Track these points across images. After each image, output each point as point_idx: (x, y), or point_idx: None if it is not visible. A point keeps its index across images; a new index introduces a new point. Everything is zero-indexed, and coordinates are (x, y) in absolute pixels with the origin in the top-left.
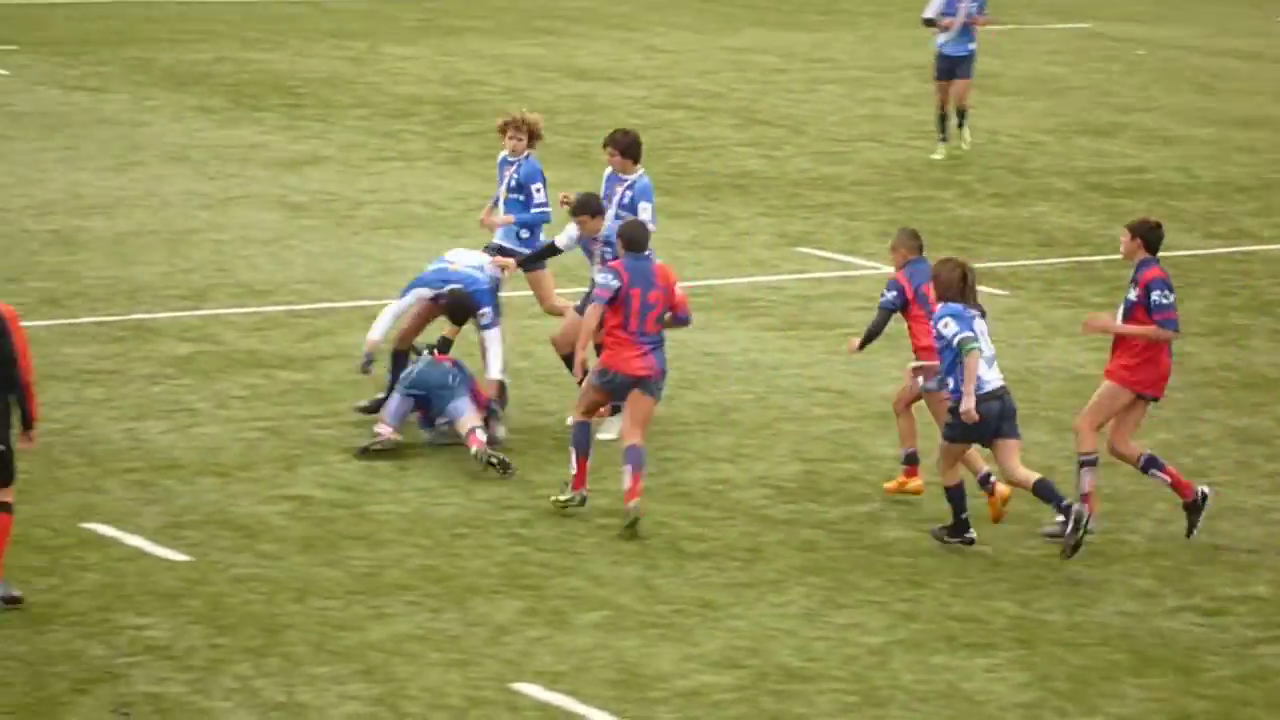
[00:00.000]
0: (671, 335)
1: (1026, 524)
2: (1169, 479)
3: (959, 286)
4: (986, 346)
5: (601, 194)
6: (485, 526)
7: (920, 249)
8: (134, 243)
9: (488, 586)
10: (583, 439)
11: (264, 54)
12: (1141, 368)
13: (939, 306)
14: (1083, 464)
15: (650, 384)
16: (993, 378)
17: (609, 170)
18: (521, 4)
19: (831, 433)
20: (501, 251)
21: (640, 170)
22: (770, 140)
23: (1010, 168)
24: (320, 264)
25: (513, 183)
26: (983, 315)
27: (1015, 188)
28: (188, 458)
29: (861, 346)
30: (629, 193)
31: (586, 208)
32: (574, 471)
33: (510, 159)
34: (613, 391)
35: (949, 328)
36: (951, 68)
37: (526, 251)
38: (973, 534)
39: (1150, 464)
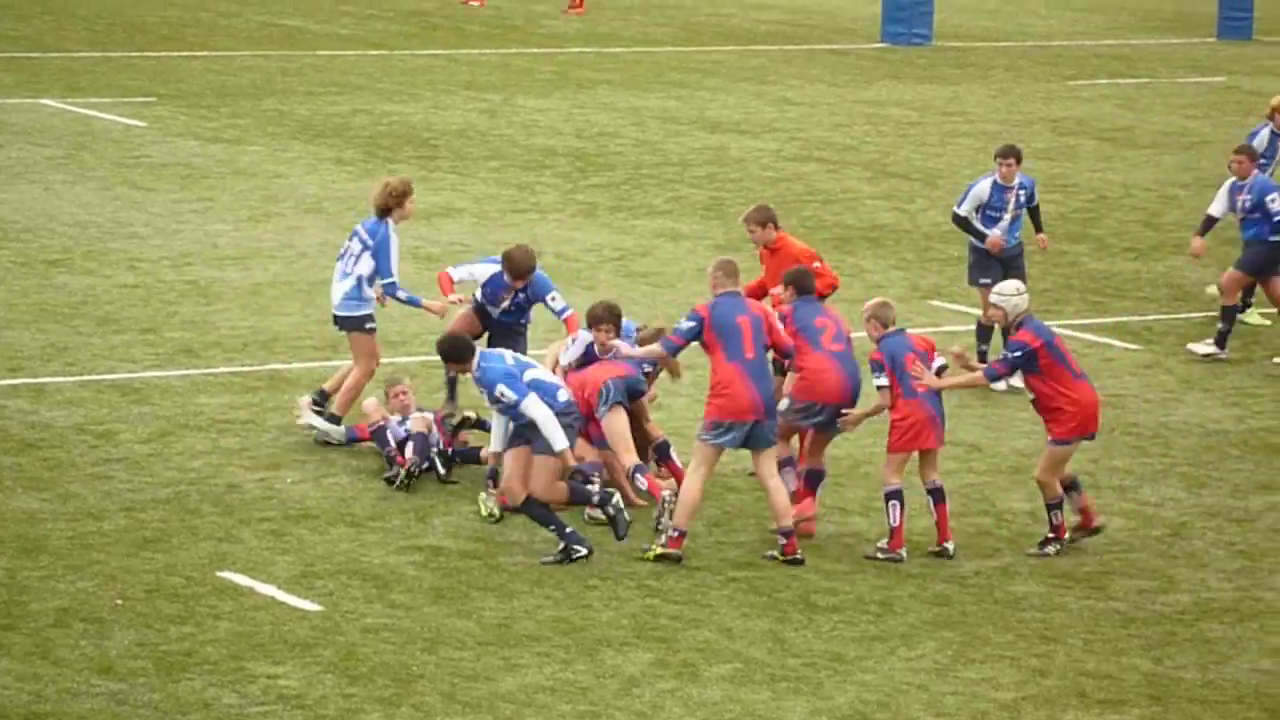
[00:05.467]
0: None
1: (1160, 580)
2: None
3: None
4: None
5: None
6: (616, 578)
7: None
8: (269, 293)
9: (618, 638)
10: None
11: (399, 106)
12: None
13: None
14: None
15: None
16: None
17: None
18: (655, 57)
19: (963, 486)
20: None
21: None
22: (903, 193)
23: (1145, 222)
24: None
25: None
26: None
27: (1149, 242)
28: (321, 507)
29: None
30: None
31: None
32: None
33: None
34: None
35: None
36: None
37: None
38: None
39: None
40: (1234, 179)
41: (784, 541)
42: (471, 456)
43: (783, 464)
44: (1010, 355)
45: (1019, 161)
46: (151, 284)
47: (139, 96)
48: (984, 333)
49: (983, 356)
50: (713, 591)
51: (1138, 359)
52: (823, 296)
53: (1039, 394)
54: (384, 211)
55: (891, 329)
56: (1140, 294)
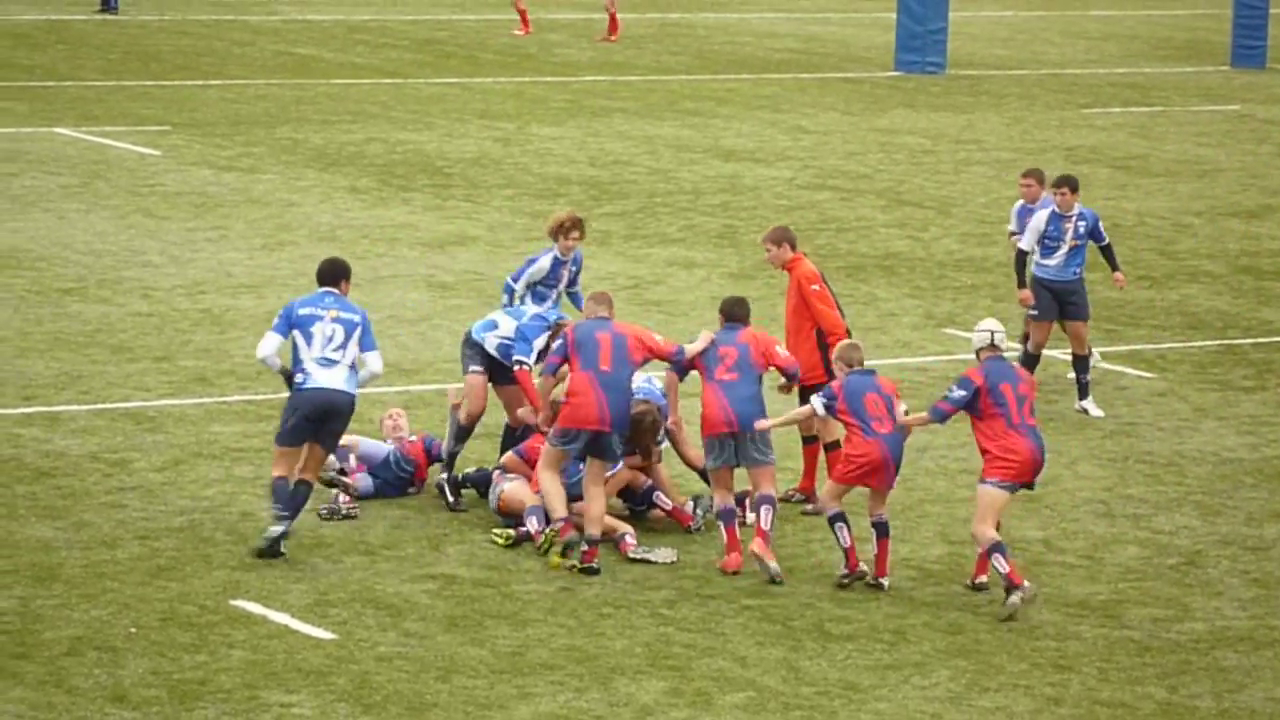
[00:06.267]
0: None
1: (1175, 609)
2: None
3: None
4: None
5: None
6: (629, 606)
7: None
8: None
9: (632, 666)
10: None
11: (413, 135)
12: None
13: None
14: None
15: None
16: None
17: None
18: (668, 85)
19: None
20: None
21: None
22: (917, 221)
23: (1159, 250)
24: None
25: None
26: None
27: (1163, 270)
28: (334, 536)
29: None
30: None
31: None
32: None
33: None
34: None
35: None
36: None
37: None
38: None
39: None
40: (1021, 202)
41: (585, 549)
42: (484, 479)
43: (761, 501)
44: (953, 393)
45: (1074, 191)
46: (165, 312)
47: (153, 125)
48: (1030, 361)
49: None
50: (727, 620)
51: (1152, 387)
52: (826, 346)
53: (975, 434)
54: (551, 238)
55: (857, 368)
56: (1154, 322)
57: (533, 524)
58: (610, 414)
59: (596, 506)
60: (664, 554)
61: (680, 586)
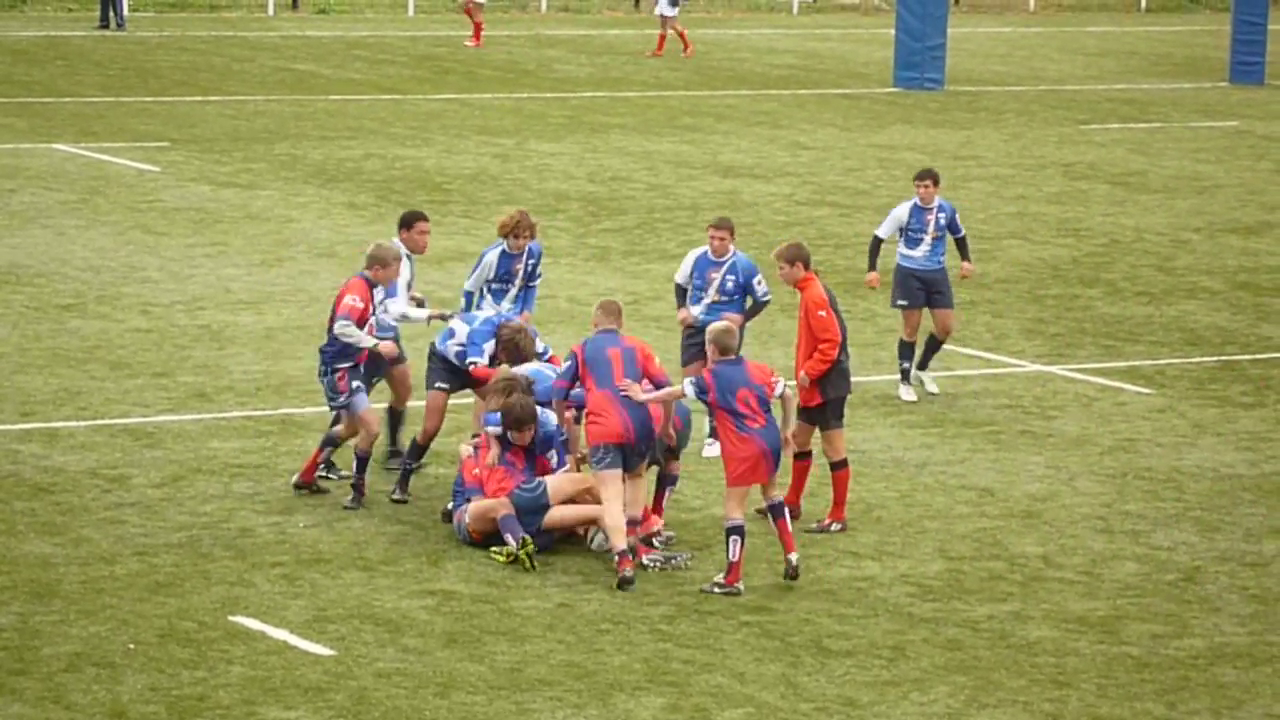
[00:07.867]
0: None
1: (1174, 625)
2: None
3: None
4: None
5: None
6: (628, 622)
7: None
8: (282, 338)
9: (630, 683)
10: None
11: (412, 150)
12: None
13: None
14: None
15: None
16: None
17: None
18: (667, 101)
19: (975, 530)
20: None
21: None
22: None
23: (1157, 266)
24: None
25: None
26: None
27: (1162, 286)
28: (334, 551)
29: None
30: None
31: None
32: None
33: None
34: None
35: None
36: None
37: None
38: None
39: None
40: (706, 250)
41: (616, 559)
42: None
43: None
44: None
45: (936, 184)
46: (164, 328)
47: (152, 141)
48: (906, 350)
49: (905, 374)
50: (725, 636)
51: (1150, 403)
52: (822, 372)
53: None
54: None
55: (730, 357)
56: (1153, 338)
57: (509, 538)
58: (634, 426)
59: (631, 510)
60: (681, 559)
61: (679, 602)
